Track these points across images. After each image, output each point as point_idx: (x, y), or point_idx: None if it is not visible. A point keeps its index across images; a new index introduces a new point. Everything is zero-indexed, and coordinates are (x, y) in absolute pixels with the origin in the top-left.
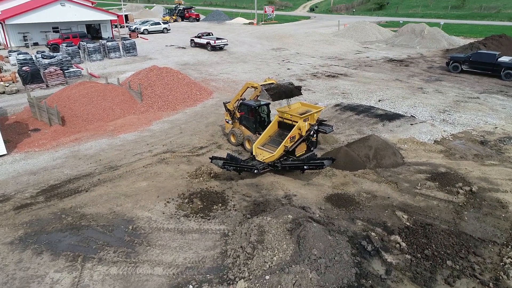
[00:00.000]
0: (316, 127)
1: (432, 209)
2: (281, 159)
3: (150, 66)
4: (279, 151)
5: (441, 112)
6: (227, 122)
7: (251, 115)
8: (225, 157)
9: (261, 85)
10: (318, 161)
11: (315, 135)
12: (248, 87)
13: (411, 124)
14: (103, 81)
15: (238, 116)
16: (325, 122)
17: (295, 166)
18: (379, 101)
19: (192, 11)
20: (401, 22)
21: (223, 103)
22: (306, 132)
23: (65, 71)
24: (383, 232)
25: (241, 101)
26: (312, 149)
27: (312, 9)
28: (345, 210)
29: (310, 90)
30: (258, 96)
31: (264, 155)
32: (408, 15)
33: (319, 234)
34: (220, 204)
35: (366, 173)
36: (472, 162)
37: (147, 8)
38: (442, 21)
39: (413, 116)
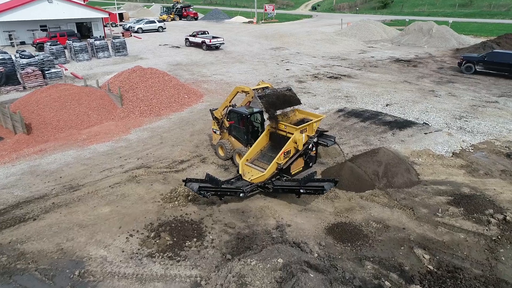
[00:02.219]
0: (315, 139)
1: (460, 246)
2: (273, 179)
3: (133, 67)
4: (270, 169)
5: (457, 118)
6: (215, 132)
7: (242, 125)
8: (203, 178)
9: (253, 89)
10: (317, 185)
11: (314, 149)
12: (238, 91)
13: (425, 133)
14: (82, 83)
15: (227, 125)
16: (326, 133)
17: (289, 189)
18: (386, 105)
19: (191, 9)
20: (407, 20)
21: (210, 110)
22: (304, 145)
23: (46, 72)
24: (399, 280)
25: (230, 108)
26: (310, 165)
27: (314, 8)
28: (350, 247)
29: (310, 93)
30: (250, 102)
31: (253, 174)
32: (413, 14)
33: None
34: (195, 239)
35: (375, 194)
36: (500, 180)
37: (145, 7)
38: (450, 20)
39: (426, 124)
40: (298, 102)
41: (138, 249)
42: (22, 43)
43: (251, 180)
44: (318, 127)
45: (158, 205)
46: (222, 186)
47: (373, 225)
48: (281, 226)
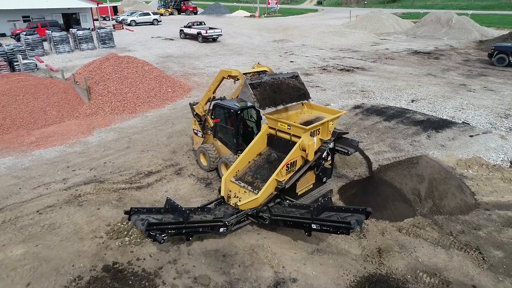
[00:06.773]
0: (331, 145)
1: None
2: (271, 204)
3: (107, 55)
4: (266, 189)
5: (503, 117)
6: (196, 133)
7: (230, 124)
8: (161, 207)
9: (244, 74)
10: (339, 220)
11: (330, 158)
12: (223, 77)
13: (471, 136)
14: (42, 74)
15: (212, 125)
16: (345, 136)
17: (294, 222)
18: (412, 101)
19: (190, 3)
20: (422, 12)
21: (190, 104)
22: (315, 154)
23: (15, 64)
24: None
25: (214, 101)
26: (324, 180)
27: (319, 2)
28: None
29: (319, 87)
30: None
31: (241, 197)
32: (426, 7)
33: None
34: None
35: (419, 225)
36: None
37: (144, 3)
38: (469, 11)
39: (466, 123)
40: (306, 96)
41: None
42: (3, 35)
43: (238, 205)
44: (335, 128)
45: (98, 244)
46: (191, 219)
47: (425, 279)
48: (282, 281)
